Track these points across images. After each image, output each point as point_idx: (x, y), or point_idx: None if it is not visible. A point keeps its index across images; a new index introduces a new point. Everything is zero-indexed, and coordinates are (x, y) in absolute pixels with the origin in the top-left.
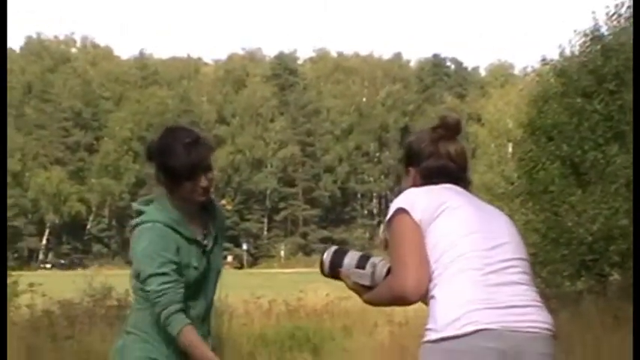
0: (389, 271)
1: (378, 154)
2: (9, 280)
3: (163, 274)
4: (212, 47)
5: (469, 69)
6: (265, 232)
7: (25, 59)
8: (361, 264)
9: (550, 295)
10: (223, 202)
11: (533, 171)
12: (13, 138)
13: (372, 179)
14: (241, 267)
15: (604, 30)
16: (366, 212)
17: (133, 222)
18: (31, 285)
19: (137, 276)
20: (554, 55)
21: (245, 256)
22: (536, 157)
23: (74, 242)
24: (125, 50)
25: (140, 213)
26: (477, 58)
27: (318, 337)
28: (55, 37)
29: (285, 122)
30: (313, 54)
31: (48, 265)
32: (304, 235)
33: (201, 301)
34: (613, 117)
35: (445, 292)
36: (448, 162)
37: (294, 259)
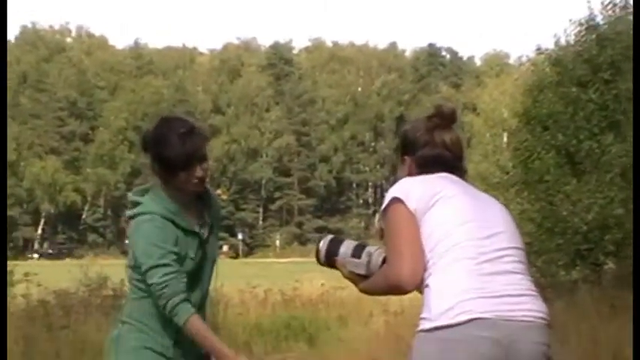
0: (384, 261)
1: (373, 144)
2: None
3: (164, 265)
4: (207, 37)
5: (464, 58)
6: (261, 222)
7: (20, 49)
8: (357, 253)
9: (545, 284)
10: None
11: (529, 160)
12: (8, 127)
13: (367, 169)
14: (237, 256)
15: (599, 19)
16: (361, 202)
17: (130, 213)
18: (26, 275)
19: (133, 266)
20: (549, 44)
21: (240, 246)
22: (531, 146)
23: (69, 232)
24: (120, 40)
25: (136, 204)
26: (473, 47)
27: (313, 327)
28: (50, 26)
29: (281, 112)
30: (309, 44)
31: (35, 255)
32: (300, 225)
33: (196, 291)
34: (608, 106)
35: (439, 281)
36: (444, 151)
37: (290, 249)
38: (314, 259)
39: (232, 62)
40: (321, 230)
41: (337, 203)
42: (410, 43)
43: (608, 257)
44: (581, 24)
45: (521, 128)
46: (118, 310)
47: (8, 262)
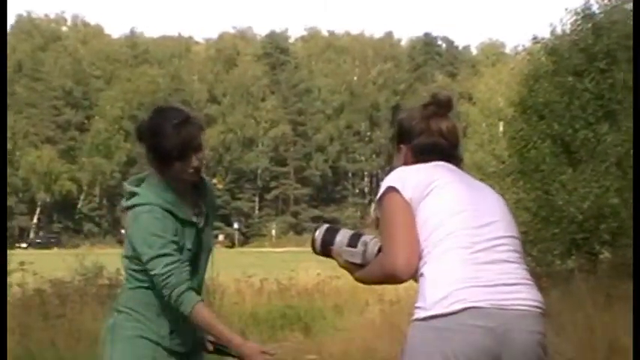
0: (380, 250)
1: (369, 133)
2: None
3: (165, 255)
4: (203, 26)
5: (460, 48)
6: (256, 211)
7: (16, 37)
8: (352, 242)
9: (540, 273)
10: (214, 181)
11: (524, 150)
12: None
13: (363, 158)
14: (232, 246)
15: (595, 8)
16: (357, 191)
17: (128, 203)
18: (22, 264)
19: (130, 256)
20: (545, 33)
21: (236, 235)
22: (527, 135)
23: (65, 221)
24: (116, 29)
25: (133, 194)
26: (469, 36)
27: (309, 316)
28: (46, 15)
29: (277, 101)
30: (304, 33)
31: (24, 245)
32: (295, 214)
33: (193, 280)
34: (604, 95)
35: (434, 270)
36: (440, 139)
37: (286, 238)
38: (310, 249)
39: (228, 51)
40: (317, 219)
41: (333, 193)
42: (406, 33)
43: (603, 246)
44: (577, 13)
45: (517, 117)
46: (113, 299)
47: None
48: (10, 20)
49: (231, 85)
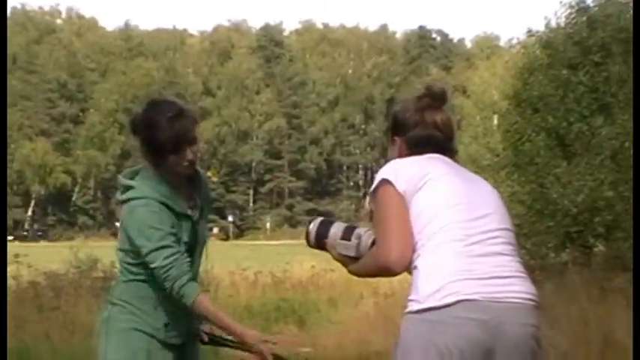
0: (374, 243)
1: (363, 126)
2: None
3: (165, 247)
4: (197, 19)
5: (455, 41)
6: (251, 204)
7: (11, 30)
8: (347, 235)
9: (535, 266)
10: (209, 174)
11: (519, 143)
12: None
13: (357, 151)
14: (227, 239)
15: (589, 1)
16: (351, 184)
17: (124, 197)
18: (16, 256)
19: (125, 249)
20: (539, 26)
21: (231, 228)
22: (521, 128)
23: (60, 214)
24: (110, 21)
25: (128, 187)
26: (463, 29)
27: (303, 309)
28: (40, 7)
29: (271, 94)
30: (299, 26)
31: (10, 237)
32: (290, 207)
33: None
34: (598, 89)
35: (428, 263)
36: (434, 131)
37: (280, 231)
38: (304, 242)
39: (222, 44)
40: (312, 213)
41: (327, 186)
42: (400, 26)
43: (597, 239)
44: (571, 6)
45: (512, 110)
46: (107, 292)
47: None
48: None
49: (226, 78)
